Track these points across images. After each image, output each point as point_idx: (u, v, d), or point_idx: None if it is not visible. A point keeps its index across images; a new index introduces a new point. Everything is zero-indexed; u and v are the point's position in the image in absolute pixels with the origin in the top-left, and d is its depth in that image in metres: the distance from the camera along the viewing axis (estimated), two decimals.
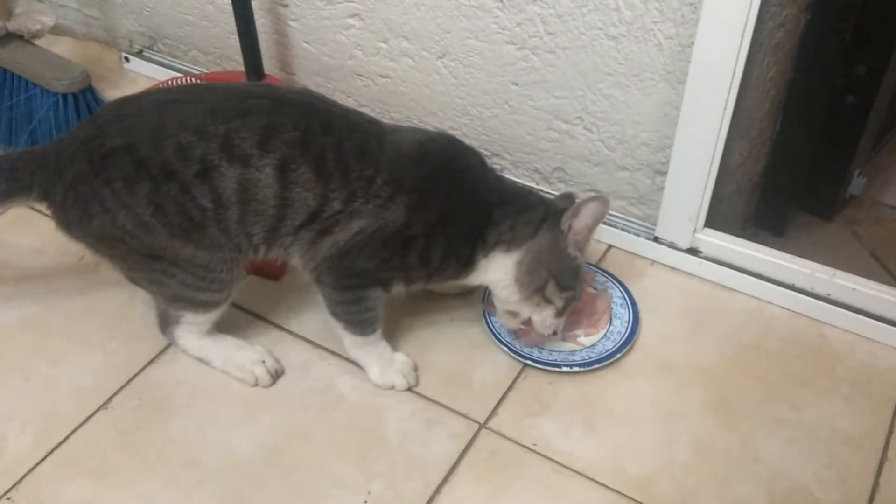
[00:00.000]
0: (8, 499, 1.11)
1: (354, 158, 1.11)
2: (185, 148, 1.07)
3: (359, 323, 1.21)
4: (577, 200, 1.21)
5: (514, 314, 1.24)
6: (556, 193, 1.31)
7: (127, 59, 1.91)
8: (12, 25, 1.62)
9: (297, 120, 1.10)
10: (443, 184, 1.15)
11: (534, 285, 1.19)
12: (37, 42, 1.68)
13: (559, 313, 1.22)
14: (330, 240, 1.13)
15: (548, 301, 1.21)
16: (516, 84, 1.45)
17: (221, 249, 1.13)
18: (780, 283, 1.38)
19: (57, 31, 1.98)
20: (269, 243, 1.15)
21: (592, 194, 1.33)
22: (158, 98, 1.14)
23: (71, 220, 1.15)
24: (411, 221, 1.13)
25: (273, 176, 1.08)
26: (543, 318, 1.22)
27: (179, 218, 1.09)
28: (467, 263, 1.19)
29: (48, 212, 1.17)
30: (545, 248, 1.18)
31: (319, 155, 1.09)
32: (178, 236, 1.11)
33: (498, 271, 1.20)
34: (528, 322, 1.24)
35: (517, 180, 1.48)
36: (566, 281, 1.20)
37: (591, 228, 1.19)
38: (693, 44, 1.23)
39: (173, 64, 1.89)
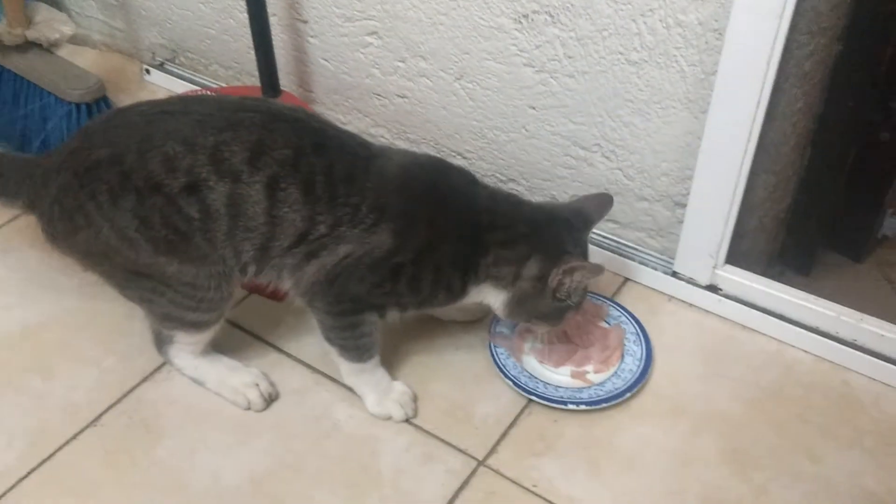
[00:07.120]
0: None
1: (342, 183, 1.08)
2: (172, 159, 1.04)
3: (354, 349, 1.18)
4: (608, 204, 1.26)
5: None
6: None
7: (148, 72, 1.90)
8: (31, 34, 1.61)
9: (290, 138, 1.07)
10: (426, 209, 1.12)
11: (522, 319, 1.22)
12: (57, 52, 1.67)
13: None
14: (316, 263, 1.10)
15: (538, 327, 1.24)
16: (534, 108, 1.40)
17: (206, 262, 1.09)
18: (804, 325, 1.31)
19: (81, 41, 1.99)
20: (259, 263, 1.11)
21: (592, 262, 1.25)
22: (147, 109, 1.11)
23: (57, 233, 1.13)
24: (398, 248, 1.10)
25: (262, 193, 1.05)
26: (539, 332, 1.26)
27: (164, 230, 1.06)
28: (460, 293, 1.17)
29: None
30: (527, 296, 1.16)
31: (309, 177, 1.07)
32: (162, 252, 1.08)
33: (489, 299, 1.20)
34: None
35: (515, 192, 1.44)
36: (553, 318, 1.20)
37: (582, 287, 1.17)
38: (717, 71, 1.18)
39: (194, 78, 1.87)
